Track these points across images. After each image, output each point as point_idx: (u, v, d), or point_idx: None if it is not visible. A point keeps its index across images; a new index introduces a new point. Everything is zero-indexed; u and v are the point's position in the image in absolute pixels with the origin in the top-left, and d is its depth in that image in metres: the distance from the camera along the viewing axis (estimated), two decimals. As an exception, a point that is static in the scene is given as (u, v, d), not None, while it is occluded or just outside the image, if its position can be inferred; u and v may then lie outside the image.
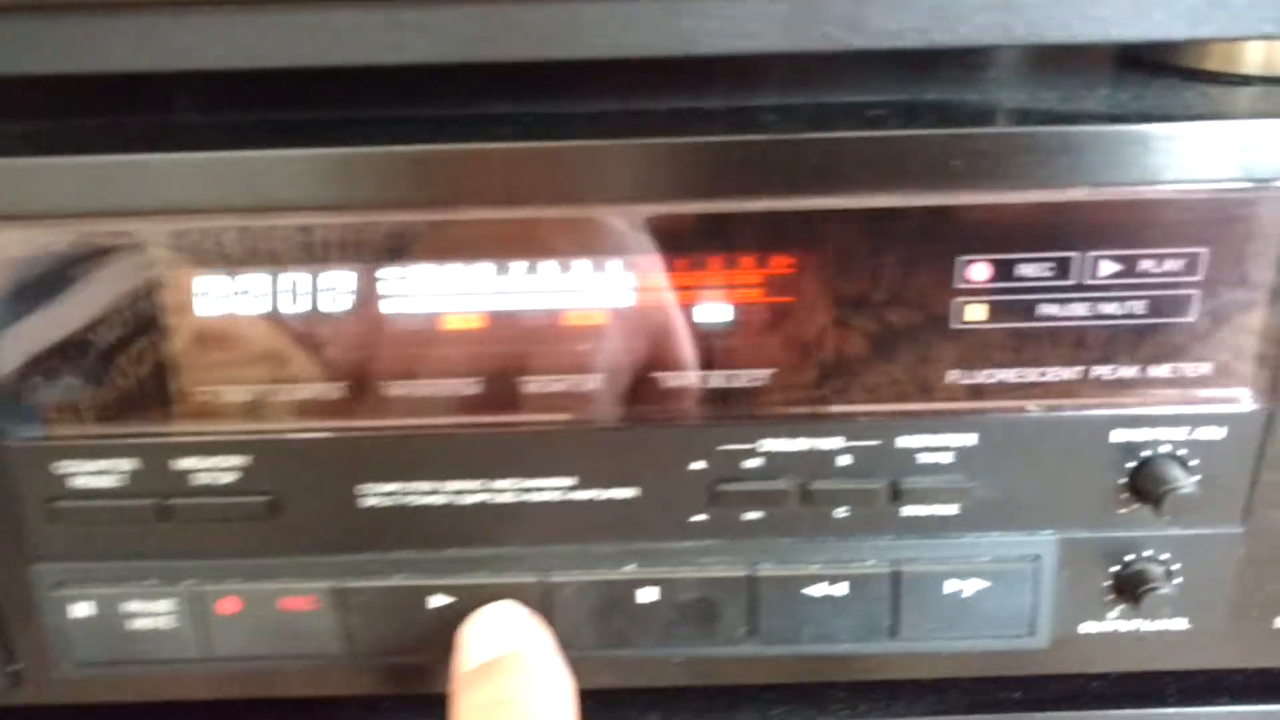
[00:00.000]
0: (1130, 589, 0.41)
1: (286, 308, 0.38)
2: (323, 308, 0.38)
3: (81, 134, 0.39)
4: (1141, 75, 0.42)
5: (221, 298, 0.37)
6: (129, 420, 0.39)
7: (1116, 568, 0.41)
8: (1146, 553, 0.41)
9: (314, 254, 0.37)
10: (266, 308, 0.38)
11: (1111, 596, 0.42)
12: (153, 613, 0.41)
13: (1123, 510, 0.40)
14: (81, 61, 0.35)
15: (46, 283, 0.37)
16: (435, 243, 0.37)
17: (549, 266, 0.37)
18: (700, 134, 0.35)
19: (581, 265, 0.37)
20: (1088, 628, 0.42)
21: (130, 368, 0.38)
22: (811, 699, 0.45)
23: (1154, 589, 0.40)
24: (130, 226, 0.36)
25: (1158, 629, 0.42)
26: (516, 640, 0.39)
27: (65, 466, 0.39)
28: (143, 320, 0.37)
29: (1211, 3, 0.34)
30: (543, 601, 0.41)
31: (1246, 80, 0.41)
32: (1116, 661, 0.44)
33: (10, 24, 0.34)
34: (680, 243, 0.37)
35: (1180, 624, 0.42)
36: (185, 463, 0.39)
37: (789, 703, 0.45)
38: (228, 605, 0.41)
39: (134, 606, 0.41)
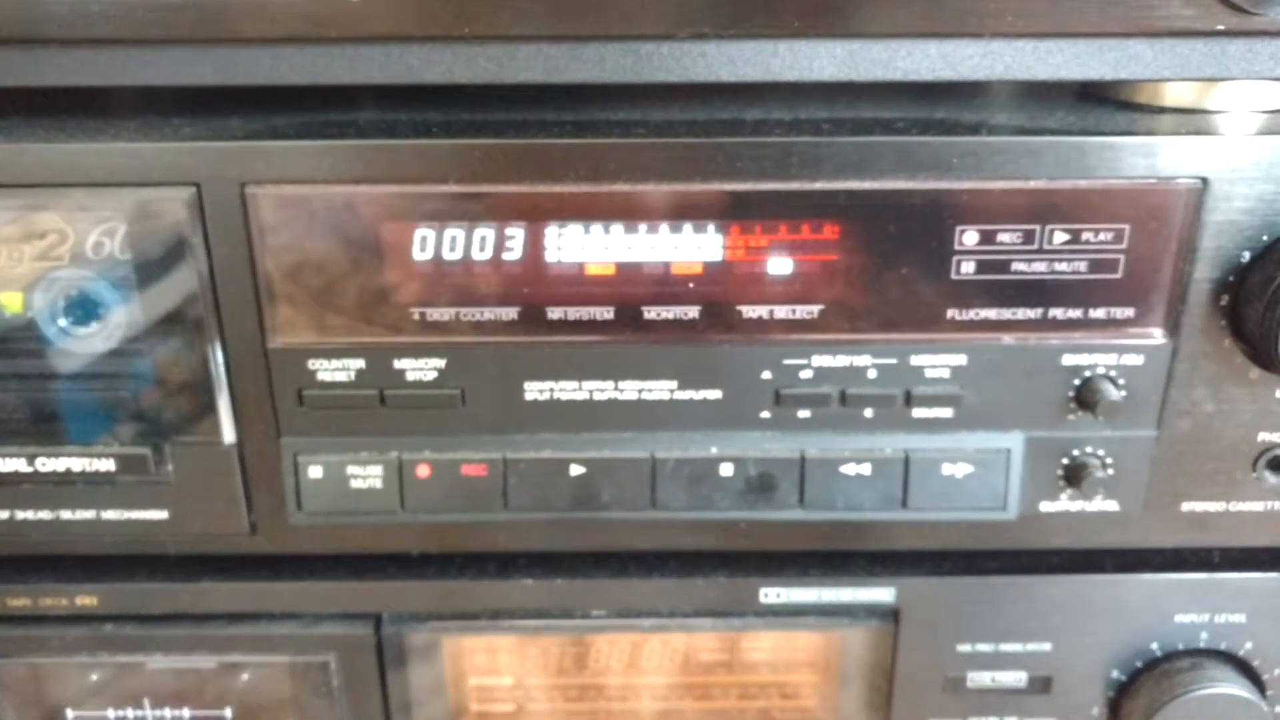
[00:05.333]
0: (1076, 476, 0.57)
1: (475, 254, 0.53)
2: (504, 255, 0.53)
3: (338, 126, 0.54)
4: (1091, 105, 0.59)
5: (430, 245, 0.53)
6: (360, 331, 0.54)
7: (1066, 460, 0.57)
8: (1088, 449, 0.57)
9: (495, 215, 0.53)
10: (460, 254, 0.53)
11: (1062, 483, 0.57)
12: (367, 476, 0.56)
13: (1071, 416, 0.56)
14: (315, 75, 0.51)
15: (313, 233, 0.53)
16: (582, 210, 0.53)
17: (663, 229, 0.53)
18: (776, 136, 0.51)
19: (687, 229, 0.53)
20: (1045, 506, 0.58)
21: (363, 293, 0.54)
22: (839, 564, 0.61)
23: (1091, 474, 0.56)
24: (373, 192, 0.52)
25: (1095, 509, 0.58)
26: None
27: (314, 364, 0.55)
28: (376, 260, 0.53)
29: (1128, 55, 0.50)
30: (650, 472, 0.56)
31: (1163, 110, 0.57)
32: (1067, 536, 0.59)
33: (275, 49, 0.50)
34: (757, 213, 0.53)
35: (1112, 505, 0.58)
36: (400, 364, 0.55)
37: (822, 565, 0.61)
38: (422, 471, 0.56)
39: (353, 470, 0.56)
